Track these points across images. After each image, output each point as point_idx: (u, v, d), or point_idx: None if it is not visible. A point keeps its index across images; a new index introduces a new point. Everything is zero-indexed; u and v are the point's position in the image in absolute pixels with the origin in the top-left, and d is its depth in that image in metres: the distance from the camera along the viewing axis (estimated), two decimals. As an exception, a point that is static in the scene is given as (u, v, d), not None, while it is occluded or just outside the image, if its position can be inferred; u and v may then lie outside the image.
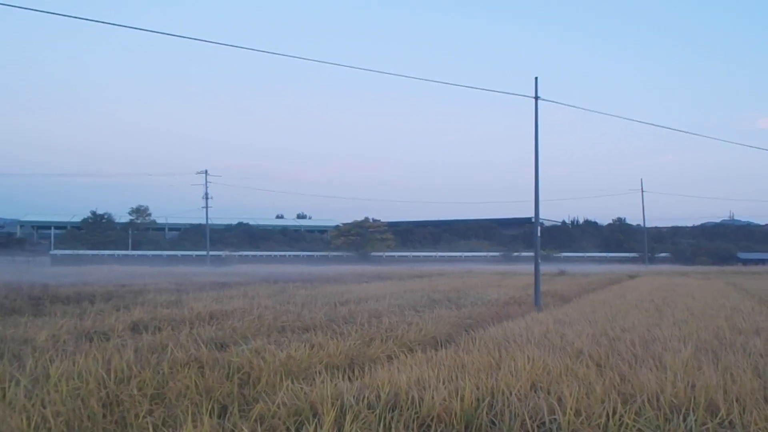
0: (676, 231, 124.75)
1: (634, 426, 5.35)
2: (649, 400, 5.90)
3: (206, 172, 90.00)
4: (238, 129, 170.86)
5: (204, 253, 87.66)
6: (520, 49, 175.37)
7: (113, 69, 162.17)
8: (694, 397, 5.95)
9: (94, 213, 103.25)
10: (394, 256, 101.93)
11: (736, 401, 5.79)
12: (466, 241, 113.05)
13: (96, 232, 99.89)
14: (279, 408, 5.89)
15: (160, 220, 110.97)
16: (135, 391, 6.52)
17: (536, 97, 20.26)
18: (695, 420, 5.41)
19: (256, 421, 5.72)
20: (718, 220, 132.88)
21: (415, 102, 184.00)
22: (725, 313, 14.47)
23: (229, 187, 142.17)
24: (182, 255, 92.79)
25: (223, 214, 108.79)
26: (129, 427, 5.79)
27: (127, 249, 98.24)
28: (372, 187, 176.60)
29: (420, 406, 5.80)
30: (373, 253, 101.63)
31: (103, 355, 8.19)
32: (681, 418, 5.48)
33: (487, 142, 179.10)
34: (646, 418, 5.47)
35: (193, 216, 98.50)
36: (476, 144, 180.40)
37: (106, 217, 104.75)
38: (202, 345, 9.15)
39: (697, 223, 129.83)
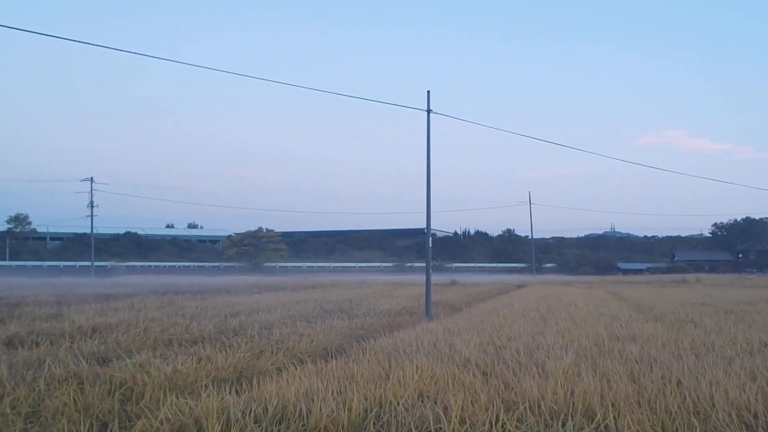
0: (561, 242, 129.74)
1: (516, 432, 5.50)
2: (530, 406, 6.06)
3: (92, 179, 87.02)
4: (125, 140, 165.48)
5: (89, 263, 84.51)
6: (415, 62, 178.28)
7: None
8: (573, 403, 6.17)
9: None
10: (287, 266, 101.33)
11: (612, 406, 6.03)
12: (359, 251, 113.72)
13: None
14: (162, 424, 5.72)
15: (41, 229, 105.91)
16: (8, 410, 6.22)
17: (428, 111, 20.62)
18: (573, 425, 5.60)
19: (137, 438, 5.55)
20: (600, 232, 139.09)
21: (309, 112, 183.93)
22: (605, 321, 15.09)
23: (116, 195, 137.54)
24: (65, 266, 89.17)
25: (109, 223, 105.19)
26: (-1, 448, 5.50)
27: (4, 259, 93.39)
28: (265, 197, 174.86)
29: (308, 419, 5.76)
30: (266, 264, 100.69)
31: (-27, 372, 7.76)
32: (560, 423, 5.66)
33: (381, 154, 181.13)
34: (527, 425, 5.62)
35: (77, 225, 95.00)
36: (370, 155, 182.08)
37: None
38: (82, 360, 8.80)
39: (582, 234, 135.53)
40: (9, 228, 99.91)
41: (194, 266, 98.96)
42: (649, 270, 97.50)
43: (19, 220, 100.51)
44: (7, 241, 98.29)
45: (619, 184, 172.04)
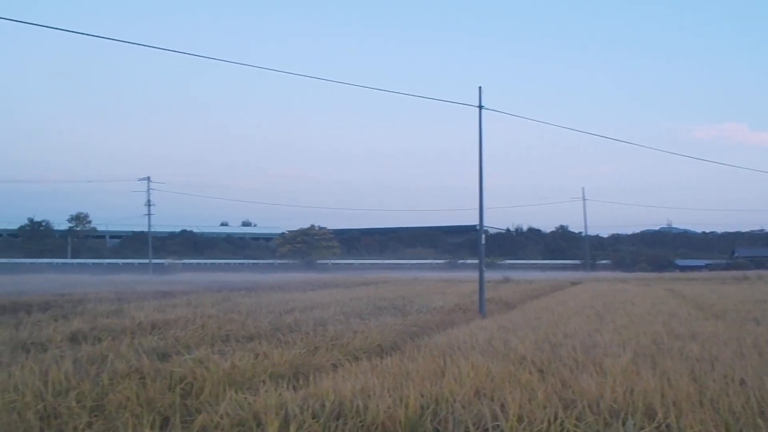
0: (616, 238, 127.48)
1: (575, 431, 5.44)
2: (589, 405, 5.99)
3: (149, 178, 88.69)
4: (180, 141, 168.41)
5: (146, 261, 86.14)
6: (466, 58, 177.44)
7: (55, 77, 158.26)
8: (633, 402, 6.07)
9: (31, 220, 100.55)
10: (340, 263, 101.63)
11: (673, 405, 5.92)
12: (411, 248, 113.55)
13: (33, 239, 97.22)
14: (222, 418, 5.82)
15: (100, 228, 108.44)
16: (73, 404, 6.38)
17: (480, 107, 20.49)
18: (634, 424, 5.52)
19: (198, 432, 5.65)
20: (656, 228, 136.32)
21: (361, 110, 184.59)
22: (663, 318, 14.82)
23: (172, 194, 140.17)
24: (124, 263, 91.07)
25: (166, 222, 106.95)
26: (67, 440, 5.65)
27: (66, 257, 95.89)
28: (318, 195, 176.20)
29: (365, 415, 5.79)
30: (318, 261, 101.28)
31: (41, 366, 8.01)
32: (620, 422, 5.58)
33: (432, 150, 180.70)
34: (586, 423, 5.56)
35: (135, 223, 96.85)
36: (422, 152, 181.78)
37: (44, 224, 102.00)
38: (143, 355, 9.00)
39: (637, 230, 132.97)
40: (70, 227, 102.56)
41: (248, 263, 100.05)
42: (707, 266, 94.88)
43: (79, 219, 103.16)
44: (69, 240, 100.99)
45: (676, 178, 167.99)
